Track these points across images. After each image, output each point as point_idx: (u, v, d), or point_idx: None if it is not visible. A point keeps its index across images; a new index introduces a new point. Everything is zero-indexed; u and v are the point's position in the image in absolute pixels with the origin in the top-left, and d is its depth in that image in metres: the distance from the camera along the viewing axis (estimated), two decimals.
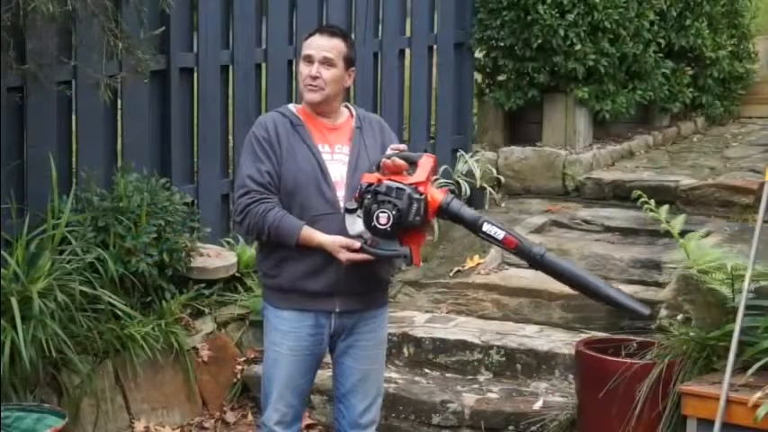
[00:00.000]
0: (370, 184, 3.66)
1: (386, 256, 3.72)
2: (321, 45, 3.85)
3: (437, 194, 3.68)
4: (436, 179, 7.04)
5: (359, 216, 3.66)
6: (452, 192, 7.00)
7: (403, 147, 3.81)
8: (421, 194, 3.62)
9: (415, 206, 3.60)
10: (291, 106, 3.99)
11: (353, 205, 3.67)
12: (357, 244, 3.69)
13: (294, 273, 3.81)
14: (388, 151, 3.78)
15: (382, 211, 3.61)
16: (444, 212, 3.67)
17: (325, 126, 3.91)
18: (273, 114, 3.95)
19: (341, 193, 3.81)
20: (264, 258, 3.91)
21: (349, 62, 3.90)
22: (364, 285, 3.84)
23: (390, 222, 3.60)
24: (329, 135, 3.90)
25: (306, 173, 3.80)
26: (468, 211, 3.69)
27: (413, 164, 3.71)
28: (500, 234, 3.62)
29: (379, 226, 3.62)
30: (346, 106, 4.01)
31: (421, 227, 3.66)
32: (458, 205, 3.69)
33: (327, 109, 3.91)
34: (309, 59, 3.85)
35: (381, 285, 3.96)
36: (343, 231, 3.73)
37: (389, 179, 3.66)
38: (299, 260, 3.79)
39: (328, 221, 3.76)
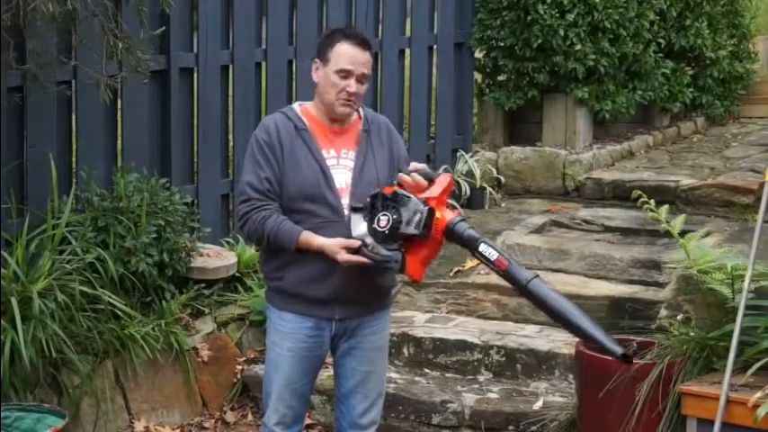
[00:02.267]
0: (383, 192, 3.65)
1: (379, 261, 3.65)
2: (360, 60, 3.78)
3: (447, 214, 3.65)
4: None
5: (365, 218, 3.65)
6: (452, 192, 7.06)
7: (422, 166, 3.75)
8: (427, 206, 3.59)
9: (417, 216, 3.57)
10: (297, 106, 3.91)
11: (360, 205, 3.67)
12: (357, 243, 3.66)
13: (296, 278, 3.80)
14: (411, 166, 3.74)
15: (384, 214, 3.60)
16: (450, 233, 3.64)
17: (331, 130, 3.85)
18: (277, 117, 3.88)
19: (345, 201, 3.77)
20: (267, 261, 3.90)
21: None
22: (365, 294, 3.82)
23: (389, 225, 3.58)
24: (335, 139, 3.85)
25: (309, 179, 3.76)
26: (471, 233, 3.65)
27: (431, 180, 3.69)
28: (494, 255, 3.59)
29: (378, 228, 3.60)
30: None
31: (424, 240, 3.61)
32: (464, 227, 3.64)
33: (345, 117, 3.87)
34: (347, 74, 3.77)
35: (383, 292, 3.94)
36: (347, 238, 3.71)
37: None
38: (301, 266, 3.77)
39: (332, 228, 3.73)
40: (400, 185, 3.69)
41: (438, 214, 3.61)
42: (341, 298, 3.79)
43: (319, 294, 3.79)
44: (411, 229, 3.58)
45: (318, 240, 3.71)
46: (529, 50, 7.53)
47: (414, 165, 3.76)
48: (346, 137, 3.86)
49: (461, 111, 7.71)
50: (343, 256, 3.67)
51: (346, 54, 3.77)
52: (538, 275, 3.62)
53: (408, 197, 3.61)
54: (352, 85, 3.76)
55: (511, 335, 5.47)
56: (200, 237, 5.56)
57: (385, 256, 3.63)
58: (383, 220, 3.59)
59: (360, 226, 3.67)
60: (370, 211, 3.64)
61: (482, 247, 3.61)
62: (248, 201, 3.79)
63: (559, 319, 3.59)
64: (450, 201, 6.86)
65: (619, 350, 3.49)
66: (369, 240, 3.65)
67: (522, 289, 3.61)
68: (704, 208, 6.89)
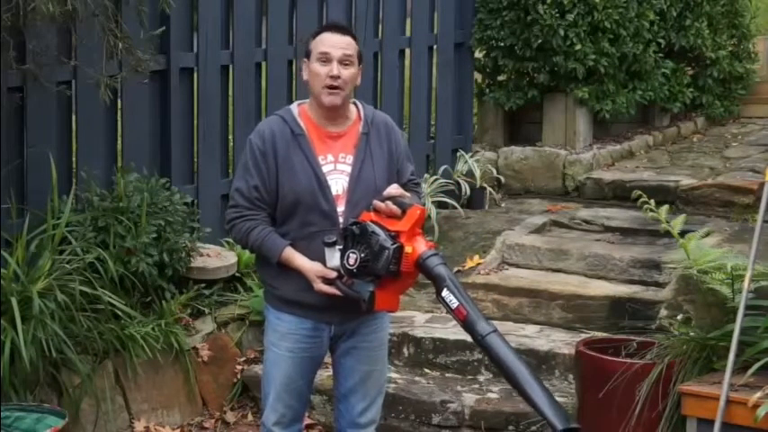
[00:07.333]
0: (354, 223, 3.62)
1: (349, 296, 3.67)
2: (338, 42, 3.72)
3: (420, 247, 3.60)
4: (436, 179, 7.05)
5: (339, 249, 3.64)
6: (452, 192, 7.07)
7: (398, 192, 3.70)
8: (395, 244, 3.56)
9: (385, 254, 3.54)
10: (295, 108, 3.84)
11: (332, 239, 3.64)
12: (332, 274, 3.66)
13: (292, 287, 3.78)
14: (386, 191, 3.69)
15: (353, 252, 3.58)
16: (420, 266, 3.60)
17: (328, 134, 3.79)
18: (273, 121, 3.82)
19: (341, 208, 3.74)
20: (263, 266, 3.89)
21: (360, 60, 3.82)
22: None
23: (357, 264, 3.57)
24: (333, 144, 3.78)
25: (304, 187, 3.71)
26: (439, 271, 3.57)
27: (404, 211, 3.64)
28: (454, 303, 3.53)
29: (347, 265, 3.60)
30: (354, 103, 3.88)
31: (395, 275, 3.60)
32: (435, 262, 3.57)
33: (341, 112, 3.78)
34: (326, 58, 3.71)
35: None
36: None
37: (379, 221, 3.63)
38: (296, 275, 3.74)
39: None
40: (376, 211, 3.67)
41: (408, 249, 3.58)
42: (337, 305, 3.76)
43: (315, 301, 3.77)
44: (378, 269, 3.56)
45: (298, 261, 3.71)
46: (529, 50, 7.53)
47: (389, 191, 3.70)
48: (344, 140, 3.80)
49: (461, 111, 7.71)
50: (319, 286, 3.69)
51: (323, 40, 3.75)
52: (496, 330, 3.47)
53: (377, 234, 3.57)
54: (334, 69, 3.70)
55: (511, 335, 5.46)
56: (200, 237, 5.56)
57: (355, 292, 3.65)
58: (352, 258, 3.58)
59: (334, 258, 3.66)
60: (343, 244, 3.62)
61: (444, 293, 3.55)
62: (236, 207, 3.80)
63: (509, 380, 3.42)
64: (448, 200, 6.90)
65: (559, 425, 3.22)
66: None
67: (477, 341, 3.50)
68: (704, 208, 6.89)
